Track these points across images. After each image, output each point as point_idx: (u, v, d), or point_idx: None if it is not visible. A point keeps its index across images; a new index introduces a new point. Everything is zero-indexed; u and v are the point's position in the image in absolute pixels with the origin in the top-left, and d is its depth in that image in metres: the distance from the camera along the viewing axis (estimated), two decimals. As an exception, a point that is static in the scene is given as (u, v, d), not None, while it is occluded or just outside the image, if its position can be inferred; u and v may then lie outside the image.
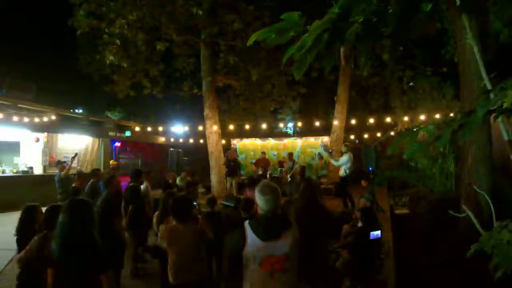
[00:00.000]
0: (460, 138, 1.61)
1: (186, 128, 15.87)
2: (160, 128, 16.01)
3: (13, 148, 12.04)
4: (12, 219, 3.84)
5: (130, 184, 5.67)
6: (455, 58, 7.16)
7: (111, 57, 10.25)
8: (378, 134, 14.52)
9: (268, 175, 11.47)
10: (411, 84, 14.22)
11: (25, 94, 12.95)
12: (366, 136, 14.77)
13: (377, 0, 1.70)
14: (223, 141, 12.93)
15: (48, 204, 3.47)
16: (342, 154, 9.37)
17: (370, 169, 8.12)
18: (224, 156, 11.80)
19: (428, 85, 13.31)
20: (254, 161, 13.47)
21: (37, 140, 11.80)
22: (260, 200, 2.31)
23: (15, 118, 10.88)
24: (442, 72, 12.80)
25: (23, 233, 3.59)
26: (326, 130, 13.77)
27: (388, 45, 11.27)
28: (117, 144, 15.29)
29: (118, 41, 10.20)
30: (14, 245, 3.73)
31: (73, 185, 6.70)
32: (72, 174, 7.74)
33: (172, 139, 17.65)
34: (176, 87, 14.47)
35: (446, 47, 9.15)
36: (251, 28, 10.13)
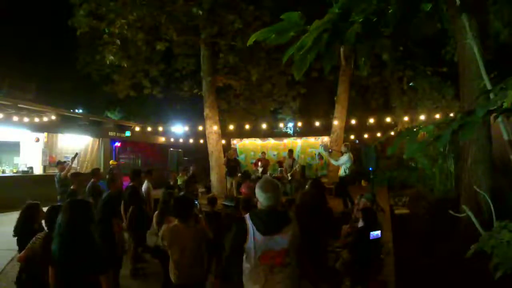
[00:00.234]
0: (460, 138, 1.61)
1: (186, 128, 15.87)
2: (160, 128, 16.01)
3: (13, 148, 12.04)
4: (12, 219, 3.84)
5: (130, 184, 5.68)
6: (455, 58, 7.16)
7: (111, 57, 10.25)
8: (378, 134, 14.52)
9: (268, 175, 11.47)
10: (411, 84, 14.23)
11: (25, 94, 12.99)
12: (366, 136, 14.77)
13: (377, 0, 1.71)
14: (223, 141, 12.93)
15: (48, 204, 3.47)
16: (342, 154, 9.37)
17: (370, 169, 8.11)
18: (224, 156, 11.81)
19: (428, 85, 13.31)
20: (254, 161, 13.48)
21: (37, 140, 11.80)
22: (260, 197, 2.33)
23: (15, 118, 10.89)
24: (442, 72, 12.81)
25: (22, 232, 3.59)
26: (326, 130, 13.76)
27: (388, 45, 11.31)
28: (117, 144, 15.29)
29: (118, 41, 10.20)
30: (14, 245, 3.73)
31: (71, 187, 6.70)
32: (73, 172, 7.73)
33: (172, 139, 17.65)
34: (176, 87, 14.47)
35: (446, 47, 9.15)
36: (251, 28, 10.13)
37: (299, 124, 17.71)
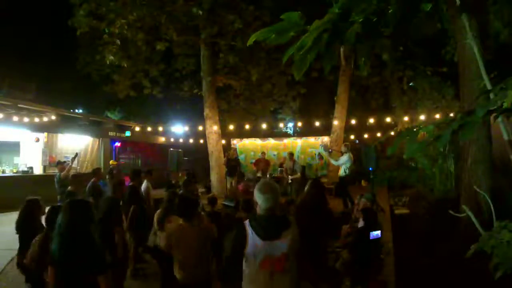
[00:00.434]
0: (460, 138, 1.61)
1: (186, 128, 15.87)
2: (160, 128, 16.01)
3: (13, 148, 12.04)
4: (12, 219, 3.84)
5: (130, 184, 5.68)
6: (455, 58, 7.16)
7: (111, 57, 10.26)
8: (378, 134, 14.52)
9: (268, 175, 11.47)
10: (411, 84, 14.23)
11: (25, 94, 12.98)
12: (366, 136, 14.77)
13: (377, 0, 1.71)
14: (223, 141, 12.94)
15: (48, 204, 3.47)
16: (342, 154, 9.37)
17: (370, 169, 8.11)
18: (224, 156, 11.83)
19: (428, 85, 13.31)
20: (254, 161, 13.48)
21: (37, 140, 11.80)
22: (259, 199, 2.32)
23: (15, 118, 10.88)
24: (442, 72, 12.81)
25: (23, 228, 3.59)
26: (326, 130, 13.77)
27: (388, 45, 11.31)
28: (117, 144, 15.29)
29: (118, 41, 10.20)
30: (14, 245, 3.73)
31: (69, 188, 6.70)
32: (72, 174, 7.74)
33: (172, 139, 17.65)
34: (176, 87, 14.47)
35: (446, 47, 9.14)
36: (251, 28, 10.14)
37: (299, 124, 17.70)
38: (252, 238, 2.24)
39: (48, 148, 12.16)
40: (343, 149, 9.41)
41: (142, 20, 10.03)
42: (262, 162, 12.22)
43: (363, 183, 12.78)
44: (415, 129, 1.79)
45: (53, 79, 19.38)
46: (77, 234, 2.42)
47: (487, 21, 5.61)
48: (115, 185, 4.91)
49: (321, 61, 1.78)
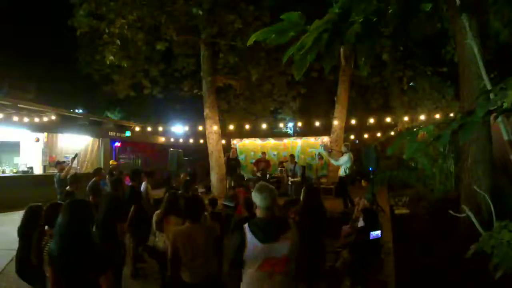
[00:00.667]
0: (460, 138, 1.61)
1: (186, 128, 15.87)
2: (160, 128, 16.01)
3: (13, 148, 12.04)
4: (12, 219, 3.85)
5: (130, 184, 5.68)
6: (455, 58, 7.15)
7: (111, 57, 10.26)
8: (378, 134, 14.53)
9: (268, 176, 11.48)
10: (411, 84, 14.24)
11: (25, 94, 12.97)
12: (366, 136, 14.78)
13: (377, 0, 1.71)
14: (223, 141, 12.94)
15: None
16: (342, 154, 9.37)
17: (370, 169, 8.11)
18: (224, 156, 11.84)
19: (428, 85, 13.32)
20: (254, 161, 13.48)
21: (37, 140, 11.79)
22: (257, 198, 2.34)
23: (15, 118, 10.88)
24: (442, 72, 12.82)
25: (24, 234, 3.59)
26: (326, 130, 13.77)
27: (388, 45, 11.32)
28: (117, 144, 15.29)
29: (118, 41, 10.20)
30: (14, 245, 3.73)
31: (67, 188, 6.69)
32: (71, 174, 7.73)
33: (172, 139, 17.65)
34: (176, 87, 14.47)
35: (446, 47, 9.14)
36: (251, 28, 10.13)
37: (299, 124, 17.71)
38: (251, 241, 2.25)
39: (48, 148, 12.15)
40: (343, 149, 9.42)
41: (142, 20, 10.04)
42: (262, 162, 12.23)
43: (363, 183, 12.75)
44: (415, 129, 1.79)
45: (53, 79, 19.40)
46: (77, 234, 2.42)
47: (487, 21, 5.61)
48: (114, 181, 4.93)
49: (321, 61, 1.78)
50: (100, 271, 2.43)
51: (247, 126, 13.90)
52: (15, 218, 3.79)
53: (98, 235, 2.70)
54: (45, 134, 12.00)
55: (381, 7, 1.71)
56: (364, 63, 1.91)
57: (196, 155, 15.91)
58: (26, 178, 10.78)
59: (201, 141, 15.24)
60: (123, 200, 4.96)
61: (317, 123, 13.98)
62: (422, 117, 12.10)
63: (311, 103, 17.83)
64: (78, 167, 12.33)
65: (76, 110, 18.83)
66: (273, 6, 10.69)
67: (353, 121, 13.20)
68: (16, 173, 11.22)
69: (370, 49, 1.85)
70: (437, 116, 11.78)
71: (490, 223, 3.06)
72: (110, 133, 14.70)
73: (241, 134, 15.22)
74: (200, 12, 9.81)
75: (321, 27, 1.64)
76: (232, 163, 11.36)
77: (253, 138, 15.03)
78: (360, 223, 4.65)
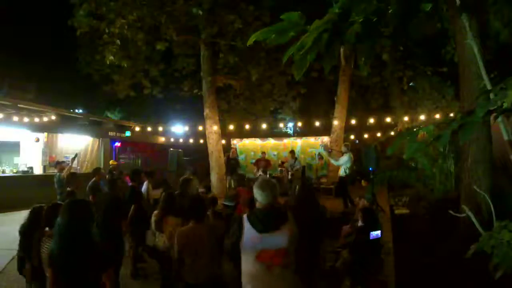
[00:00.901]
0: (460, 138, 1.61)
1: (186, 128, 15.87)
2: (160, 128, 16.01)
3: (13, 148, 12.04)
4: (12, 219, 3.86)
5: (130, 184, 5.69)
6: (455, 58, 7.16)
7: (111, 57, 10.26)
8: (378, 134, 14.53)
9: (268, 175, 11.48)
10: (411, 84, 14.24)
11: (25, 94, 12.96)
12: (366, 136, 14.78)
13: (377, 0, 1.71)
14: (223, 141, 12.94)
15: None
16: (342, 154, 9.37)
17: (370, 169, 8.11)
18: (224, 155, 11.85)
19: (428, 85, 13.32)
20: (254, 161, 13.48)
21: (37, 140, 11.79)
22: (259, 195, 2.37)
23: (15, 118, 10.88)
24: (442, 72, 12.81)
25: (26, 235, 3.59)
26: (326, 130, 13.77)
27: (388, 45, 11.32)
28: (117, 144, 15.29)
29: (118, 41, 10.21)
30: (14, 245, 3.73)
31: (68, 188, 6.70)
32: (72, 172, 7.74)
33: (172, 139, 17.65)
34: (176, 87, 14.47)
35: (446, 47, 9.14)
36: (251, 28, 10.14)
37: (299, 124, 17.71)
38: (248, 230, 2.28)
39: (48, 148, 12.15)
40: (343, 149, 9.42)
41: (142, 20, 10.04)
42: (263, 162, 12.23)
43: (363, 183, 12.75)
44: (415, 129, 1.79)
45: (53, 79, 19.40)
46: (76, 234, 2.42)
47: (487, 21, 5.61)
48: (110, 181, 4.97)
49: (321, 61, 1.78)
50: (101, 269, 2.44)
51: (247, 126, 13.90)
52: (15, 218, 3.81)
53: (98, 234, 2.70)
54: (45, 134, 12.00)
55: (381, 7, 1.71)
56: (364, 63, 1.91)
57: (196, 155, 15.91)
58: (26, 178, 10.78)
59: (201, 141, 15.24)
60: (123, 200, 4.97)
61: (317, 123, 13.98)
62: (422, 117, 12.10)
63: (311, 103, 17.83)
64: (78, 167, 12.33)
65: (76, 110, 18.83)
66: (273, 6, 10.70)
67: (353, 121, 13.20)
68: (16, 173, 11.22)
69: (370, 49, 1.85)
70: (437, 116, 11.78)
71: (490, 223, 3.06)
72: (110, 133, 14.70)
73: (241, 134, 15.22)
74: (200, 12, 9.81)
75: (321, 27, 1.64)
76: (232, 162, 11.38)
77: (253, 138, 15.03)
78: (360, 223, 4.65)
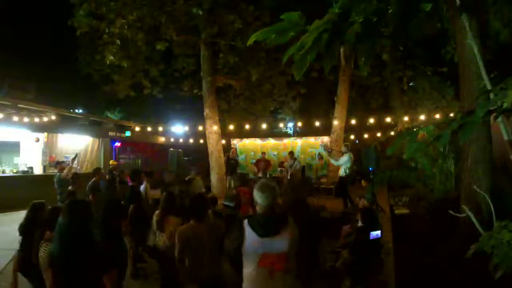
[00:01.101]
0: (460, 138, 1.61)
1: (186, 128, 15.87)
2: (160, 128, 16.01)
3: (13, 148, 12.04)
4: (12, 219, 3.85)
5: (130, 184, 5.69)
6: (455, 58, 7.16)
7: (111, 57, 10.27)
8: (378, 134, 14.53)
9: (268, 176, 11.49)
10: (411, 84, 14.24)
11: (25, 94, 12.96)
12: (366, 136, 14.78)
13: (377, 0, 1.71)
14: (223, 141, 12.94)
15: (48, 204, 3.47)
16: (342, 154, 9.37)
17: (370, 169, 8.11)
18: (224, 155, 11.85)
19: (428, 85, 13.32)
20: (254, 161, 13.48)
21: (37, 140, 11.79)
22: (259, 197, 2.37)
23: (15, 118, 10.88)
24: (442, 72, 12.81)
25: (26, 232, 3.59)
26: (326, 130, 13.77)
27: (388, 45, 11.32)
28: (117, 144, 15.29)
29: (118, 41, 10.21)
30: (14, 245, 3.73)
31: (69, 188, 6.70)
32: (73, 172, 7.73)
33: (172, 139, 17.66)
34: (176, 87, 14.48)
35: (446, 47, 9.14)
36: (251, 28, 10.14)
37: (299, 124, 17.72)
38: (249, 235, 2.27)
39: (48, 148, 12.15)
40: (343, 149, 9.42)
41: (142, 20, 10.04)
42: (263, 162, 12.23)
43: (363, 183, 12.75)
44: (415, 129, 1.79)
45: (53, 79, 19.40)
46: (77, 234, 2.42)
47: (487, 21, 5.61)
48: (107, 181, 4.99)
49: (321, 61, 1.77)
50: (102, 270, 2.43)
51: (247, 126, 13.90)
52: (15, 218, 3.80)
53: (99, 234, 2.70)
54: (45, 134, 12.00)
55: (381, 7, 1.71)
56: (364, 63, 1.91)
57: (196, 155, 15.91)
58: (26, 178, 10.78)
59: (201, 141, 15.24)
60: (123, 199, 4.98)
61: (317, 123, 13.98)
62: (422, 117, 12.09)
63: (311, 103, 17.84)
64: (78, 167, 12.33)
65: (76, 110, 18.83)
66: (273, 6, 10.70)
67: (353, 121, 13.20)
68: (16, 173, 11.22)
69: (370, 49, 1.85)
70: (437, 116, 11.78)
71: (490, 223, 3.06)
72: (110, 133, 14.70)
73: (241, 134, 15.22)
74: (200, 12, 9.81)
75: (321, 27, 1.64)
76: (232, 162, 11.38)
77: (253, 138, 15.03)
78: (360, 223, 4.65)
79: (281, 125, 19.92)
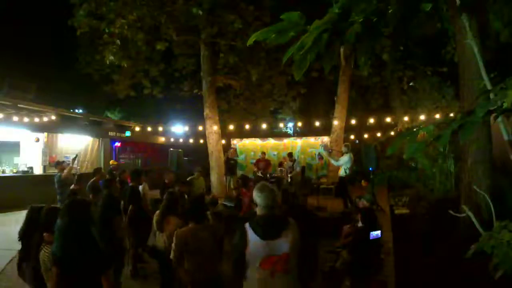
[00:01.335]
0: (460, 138, 1.61)
1: (186, 128, 15.86)
2: (160, 128, 16.01)
3: (13, 148, 12.04)
4: (12, 219, 3.85)
5: (130, 184, 5.70)
6: (455, 58, 7.16)
7: (111, 57, 10.27)
8: (378, 134, 14.52)
9: (268, 176, 11.48)
10: (411, 84, 14.24)
11: (25, 94, 12.91)
12: (366, 136, 14.77)
13: (377, 0, 1.71)
14: (223, 141, 12.95)
15: (48, 204, 3.46)
16: (342, 154, 9.36)
17: (370, 169, 8.11)
18: (224, 155, 11.85)
19: (428, 85, 13.31)
20: (254, 161, 13.47)
21: (37, 140, 11.79)
22: (257, 198, 2.39)
23: (15, 118, 10.88)
24: (442, 72, 12.81)
25: (25, 236, 3.58)
26: (326, 130, 13.76)
27: (388, 45, 11.32)
28: (117, 144, 15.29)
29: (118, 41, 10.21)
30: (14, 245, 3.73)
31: (71, 187, 6.69)
32: (73, 173, 7.73)
33: (172, 139, 17.65)
34: (176, 87, 14.49)
35: (446, 47, 9.14)
36: (251, 28, 10.15)
37: (299, 124, 17.70)
38: (251, 238, 2.28)
39: (48, 148, 12.15)
40: (343, 149, 9.41)
41: (142, 20, 10.04)
42: (263, 162, 12.23)
43: (363, 183, 12.77)
44: (415, 129, 1.78)
45: (53, 79, 19.36)
46: (77, 233, 2.42)
47: (487, 21, 5.61)
48: (105, 181, 5.02)
49: (321, 61, 1.77)
50: (102, 269, 2.44)
51: (247, 126, 13.90)
52: (15, 218, 3.81)
53: (98, 233, 2.70)
54: (45, 134, 12.00)
55: (381, 7, 1.71)
56: (364, 63, 1.91)
57: (196, 155, 15.91)
58: (26, 178, 10.78)
59: (201, 141, 15.23)
60: (122, 198, 4.99)
61: (317, 123, 13.97)
62: (422, 117, 12.08)
63: (311, 103, 17.83)
64: (78, 167, 12.32)
65: (76, 110, 18.80)
66: (273, 6, 10.71)
67: (353, 121, 13.19)
68: (16, 173, 11.22)
69: (370, 49, 1.85)
70: (437, 116, 11.77)
71: (490, 223, 3.05)
72: (110, 133, 14.69)
73: (241, 134, 15.22)
74: (200, 12, 9.81)
75: (321, 27, 1.64)
76: (231, 163, 11.38)
77: (253, 138, 15.02)
78: (360, 223, 4.64)
79: (281, 125, 19.92)
